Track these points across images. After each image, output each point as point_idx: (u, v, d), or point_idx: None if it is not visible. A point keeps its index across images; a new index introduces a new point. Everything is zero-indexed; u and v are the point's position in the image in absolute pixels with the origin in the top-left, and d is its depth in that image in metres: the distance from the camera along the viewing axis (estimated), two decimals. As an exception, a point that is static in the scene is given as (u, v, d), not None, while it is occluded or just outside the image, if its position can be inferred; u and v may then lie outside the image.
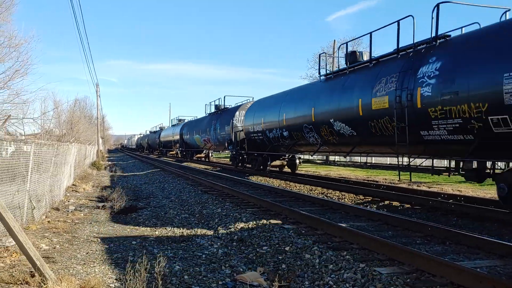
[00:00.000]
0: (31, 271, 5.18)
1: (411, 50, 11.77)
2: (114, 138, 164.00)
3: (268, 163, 22.06)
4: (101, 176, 25.41)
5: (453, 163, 11.44)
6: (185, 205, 12.93)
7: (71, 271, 5.83)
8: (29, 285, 4.99)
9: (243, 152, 24.52)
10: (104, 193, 15.78)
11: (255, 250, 7.44)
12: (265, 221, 8.94)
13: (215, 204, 11.89)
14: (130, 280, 4.75)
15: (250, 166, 24.09)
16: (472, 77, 9.15)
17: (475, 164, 9.86)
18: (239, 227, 8.93)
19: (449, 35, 10.86)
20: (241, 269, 6.44)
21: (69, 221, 10.19)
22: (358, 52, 15.17)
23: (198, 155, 41.09)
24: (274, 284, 5.40)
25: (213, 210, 11.19)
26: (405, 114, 10.90)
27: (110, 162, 42.67)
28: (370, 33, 13.62)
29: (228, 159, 43.28)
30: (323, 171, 26.24)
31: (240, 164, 25.46)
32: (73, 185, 17.99)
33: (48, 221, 9.88)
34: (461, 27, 11.14)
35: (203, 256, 7.15)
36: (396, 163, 27.88)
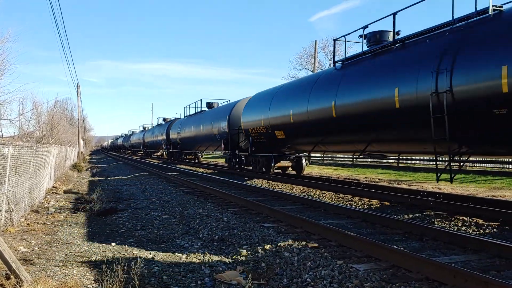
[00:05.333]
0: (7, 274, 5.13)
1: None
2: (96, 140, 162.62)
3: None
4: (81, 178, 25.16)
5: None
6: (166, 206, 12.89)
7: (48, 273, 5.78)
8: (4, 287, 4.93)
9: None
10: (84, 195, 15.63)
11: (236, 249, 7.47)
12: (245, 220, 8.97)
13: (196, 204, 11.89)
14: (107, 281, 4.74)
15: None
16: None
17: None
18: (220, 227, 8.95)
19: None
20: (221, 269, 6.46)
21: (48, 223, 10.08)
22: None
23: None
24: (253, 282, 5.43)
25: (195, 211, 11.19)
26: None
27: (91, 164, 42.27)
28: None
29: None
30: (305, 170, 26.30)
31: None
32: (54, 187, 17.79)
33: (27, 224, 9.77)
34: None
35: (183, 256, 7.14)
36: (377, 162, 27.98)
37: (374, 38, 13.49)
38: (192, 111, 36.11)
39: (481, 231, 8.13)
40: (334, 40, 15.29)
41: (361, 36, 13.78)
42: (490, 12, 9.35)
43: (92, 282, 5.48)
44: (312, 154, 27.82)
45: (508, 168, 21.84)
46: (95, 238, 8.54)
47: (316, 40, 38.88)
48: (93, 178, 24.94)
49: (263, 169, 20.38)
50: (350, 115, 13.03)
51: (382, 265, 5.61)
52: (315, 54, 38.20)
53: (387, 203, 11.44)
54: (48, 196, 14.96)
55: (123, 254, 6.75)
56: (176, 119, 43.60)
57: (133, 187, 19.03)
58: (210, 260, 6.86)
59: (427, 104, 9.80)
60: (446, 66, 9.54)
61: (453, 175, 9.96)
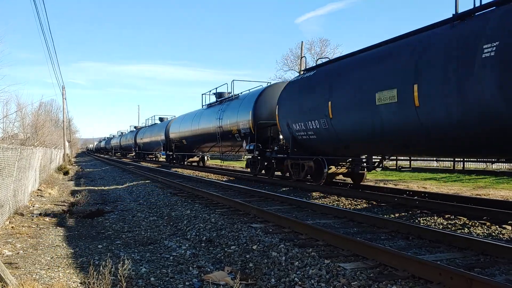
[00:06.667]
0: (-9, 277, 5.06)
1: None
2: (81, 142, 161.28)
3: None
4: (67, 180, 24.93)
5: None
6: (153, 207, 12.84)
7: (34, 276, 5.73)
8: (-11, 291, 4.88)
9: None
10: (70, 197, 15.50)
11: (223, 250, 7.47)
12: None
13: (184, 205, 11.89)
14: (94, 283, 4.70)
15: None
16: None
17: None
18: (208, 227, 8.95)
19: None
20: (209, 269, 6.45)
21: (34, 226, 9.97)
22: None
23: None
24: (241, 282, 5.44)
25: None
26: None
27: (77, 166, 41.89)
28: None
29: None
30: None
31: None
32: (39, 189, 17.60)
33: (12, 227, 9.65)
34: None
35: (171, 258, 7.12)
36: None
37: (218, 95, 26.17)
38: (149, 123, 50.66)
39: (467, 230, 8.24)
40: (202, 94, 28.49)
41: (213, 93, 26.67)
42: (233, 96, 23.53)
43: (79, 284, 5.44)
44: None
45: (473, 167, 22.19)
46: (81, 241, 8.47)
47: (302, 42, 39.09)
48: (78, 180, 24.73)
49: (182, 162, 34.19)
50: (203, 134, 26.61)
51: (369, 264, 5.65)
52: (301, 55, 38.32)
53: (374, 203, 11.53)
54: (33, 199, 14.80)
55: (110, 256, 6.70)
56: (141, 127, 55.24)
57: (120, 190, 18.92)
58: (198, 261, 6.85)
59: (216, 131, 23.73)
60: (221, 116, 23.15)
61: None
